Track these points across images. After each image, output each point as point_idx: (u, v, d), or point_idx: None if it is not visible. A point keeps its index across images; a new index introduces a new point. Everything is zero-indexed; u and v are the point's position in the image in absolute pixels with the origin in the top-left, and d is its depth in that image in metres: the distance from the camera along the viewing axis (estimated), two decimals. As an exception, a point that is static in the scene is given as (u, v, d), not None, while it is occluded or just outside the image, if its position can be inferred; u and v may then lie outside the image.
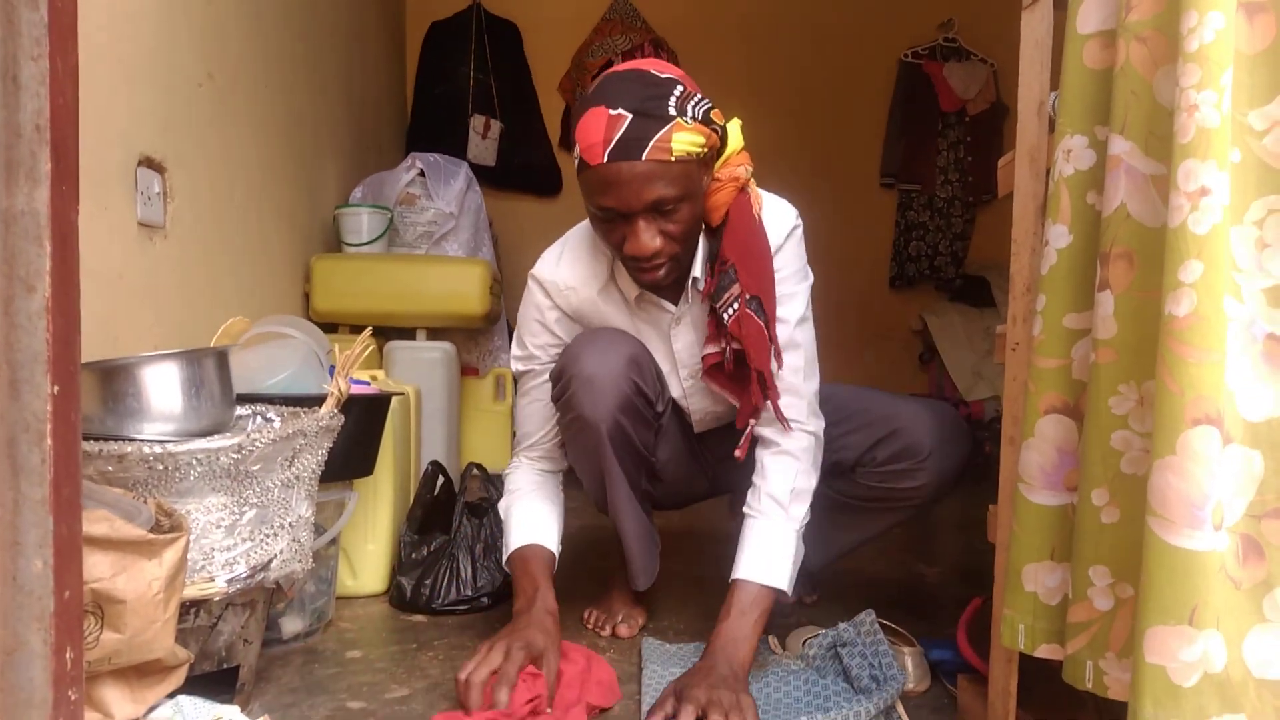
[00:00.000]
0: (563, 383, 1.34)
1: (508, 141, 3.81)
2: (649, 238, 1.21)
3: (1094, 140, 0.87)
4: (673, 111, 1.17)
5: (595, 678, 1.23)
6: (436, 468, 1.83)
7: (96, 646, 0.86)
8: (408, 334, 2.53)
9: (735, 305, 1.26)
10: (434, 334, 2.55)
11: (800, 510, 1.33)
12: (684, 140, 1.17)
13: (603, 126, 1.16)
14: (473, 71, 3.79)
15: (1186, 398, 0.69)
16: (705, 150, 1.21)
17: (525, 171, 3.85)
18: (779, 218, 1.36)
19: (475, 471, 1.81)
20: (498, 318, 2.73)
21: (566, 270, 1.41)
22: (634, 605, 1.56)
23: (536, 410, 1.47)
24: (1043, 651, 0.92)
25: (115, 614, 0.86)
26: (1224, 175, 0.69)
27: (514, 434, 1.58)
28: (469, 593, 1.62)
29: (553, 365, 1.41)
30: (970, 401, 3.71)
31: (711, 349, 1.32)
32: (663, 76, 1.20)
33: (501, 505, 1.49)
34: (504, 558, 1.41)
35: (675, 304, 1.39)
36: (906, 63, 4.13)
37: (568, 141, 4.00)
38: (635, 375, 1.33)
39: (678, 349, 1.42)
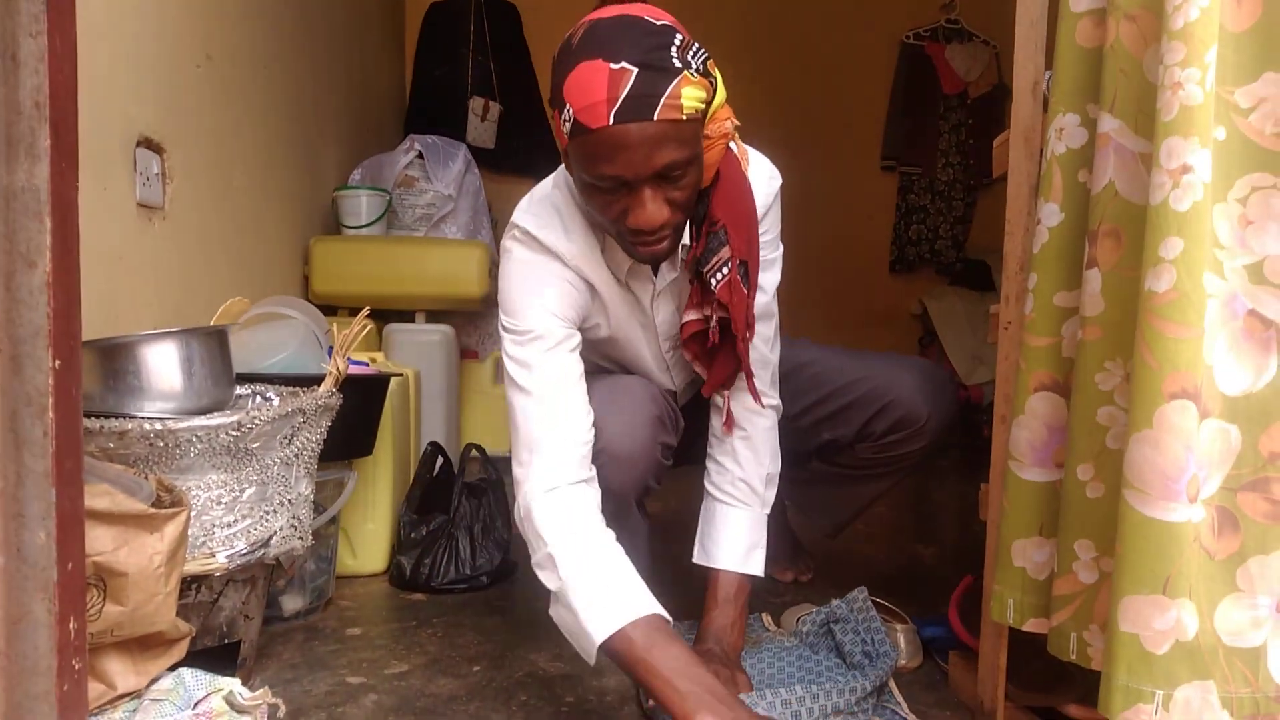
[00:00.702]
0: None
1: (507, 124, 3.80)
2: (656, 208, 1.05)
3: (1085, 118, 0.88)
4: (677, 63, 1.02)
5: None
6: (436, 448, 1.84)
7: (99, 618, 0.87)
8: (407, 316, 2.54)
9: (725, 269, 1.15)
10: (433, 317, 2.56)
11: (772, 494, 1.34)
12: (691, 95, 1.02)
13: (604, 83, 0.99)
14: (472, 54, 3.78)
15: (1164, 372, 0.70)
16: (706, 105, 1.07)
17: (524, 154, 3.84)
18: (764, 177, 1.27)
19: (474, 453, 1.83)
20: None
21: (573, 242, 1.21)
22: None
23: (553, 404, 1.16)
24: (1030, 625, 0.94)
25: (117, 586, 0.87)
26: (1206, 153, 0.70)
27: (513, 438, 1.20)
28: (468, 571, 1.64)
29: (570, 339, 1.19)
30: (969, 385, 3.73)
31: (692, 315, 1.22)
32: (659, 24, 1.04)
33: (543, 563, 1.09)
34: (585, 642, 1.04)
35: (656, 272, 1.25)
36: (908, 44, 4.11)
37: (565, 122, 3.99)
38: (663, 436, 1.26)
39: (659, 320, 1.30)
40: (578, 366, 1.19)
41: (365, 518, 1.72)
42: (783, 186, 1.31)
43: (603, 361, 1.41)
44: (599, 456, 1.18)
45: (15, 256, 0.71)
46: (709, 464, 1.36)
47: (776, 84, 3.95)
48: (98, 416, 1.04)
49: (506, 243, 1.24)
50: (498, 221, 3.17)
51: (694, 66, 1.03)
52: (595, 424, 1.17)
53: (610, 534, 1.11)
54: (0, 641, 0.69)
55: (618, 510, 1.25)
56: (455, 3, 3.82)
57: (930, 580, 1.81)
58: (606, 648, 1.01)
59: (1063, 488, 0.86)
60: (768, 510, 1.33)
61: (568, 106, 1.02)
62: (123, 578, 0.87)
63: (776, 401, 1.35)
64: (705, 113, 1.07)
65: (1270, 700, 0.72)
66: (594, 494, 1.15)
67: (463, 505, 1.70)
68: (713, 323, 1.19)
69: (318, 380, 1.30)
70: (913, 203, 4.17)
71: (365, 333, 1.37)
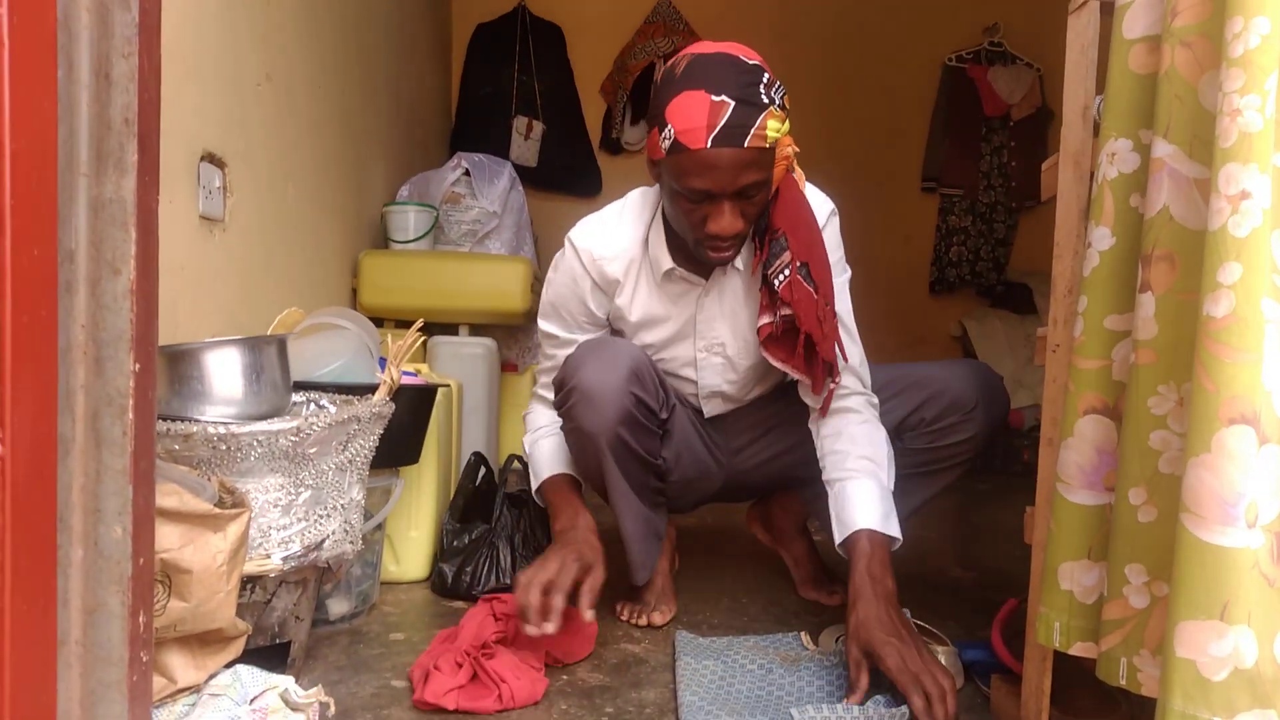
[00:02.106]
0: (564, 393, 1.38)
1: (549, 142, 3.86)
2: (733, 219, 1.25)
3: (1138, 144, 0.88)
4: (764, 99, 1.20)
5: (570, 632, 1.33)
6: (479, 459, 1.87)
7: (164, 613, 0.90)
8: (450, 330, 2.58)
9: (786, 271, 1.30)
10: (476, 330, 2.60)
11: (892, 475, 1.38)
12: (774, 127, 1.22)
13: (705, 111, 1.18)
14: (516, 73, 3.85)
15: (1222, 397, 0.70)
16: (780, 134, 1.25)
17: (566, 172, 3.90)
18: (819, 201, 1.43)
19: (516, 464, 1.85)
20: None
21: (604, 240, 1.44)
22: (664, 595, 1.58)
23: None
24: (1077, 649, 0.93)
25: (182, 583, 0.90)
26: (1265, 179, 0.70)
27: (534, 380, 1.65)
28: (508, 580, 1.66)
29: (574, 335, 1.48)
30: (1010, 410, 3.68)
31: (765, 320, 1.36)
32: (750, 63, 1.23)
33: (526, 440, 1.56)
34: (533, 486, 1.50)
35: (706, 278, 1.44)
36: (950, 66, 4.11)
37: (608, 143, 4.04)
38: (636, 388, 1.35)
39: (700, 319, 1.47)
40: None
41: (409, 525, 1.75)
42: (837, 212, 1.46)
43: None
44: (571, 395, 1.36)
45: (101, 264, 0.75)
46: (824, 461, 1.41)
47: (818, 105, 3.96)
48: (165, 419, 1.08)
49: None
50: (539, 238, 3.22)
51: (776, 102, 1.22)
52: (572, 368, 1.37)
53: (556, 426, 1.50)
54: (77, 630, 0.72)
55: (588, 449, 1.38)
56: (501, 23, 3.90)
57: (971, 603, 1.79)
58: (537, 493, 1.51)
59: (1114, 511, 0.86)
60: (891, 488, 1.36)
61: (669, 126, 1.22)
62: (187, 575, 0.90)
63: (875, 400, 1.46)
64: (779, 140, 1.25)
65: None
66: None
67: (504, 515, 1.72)
68: (776, 318, 1.33)
69: (371, 389, 1.34)
70: (953, 224, 4.15)
71: (417, 344, 1.40)
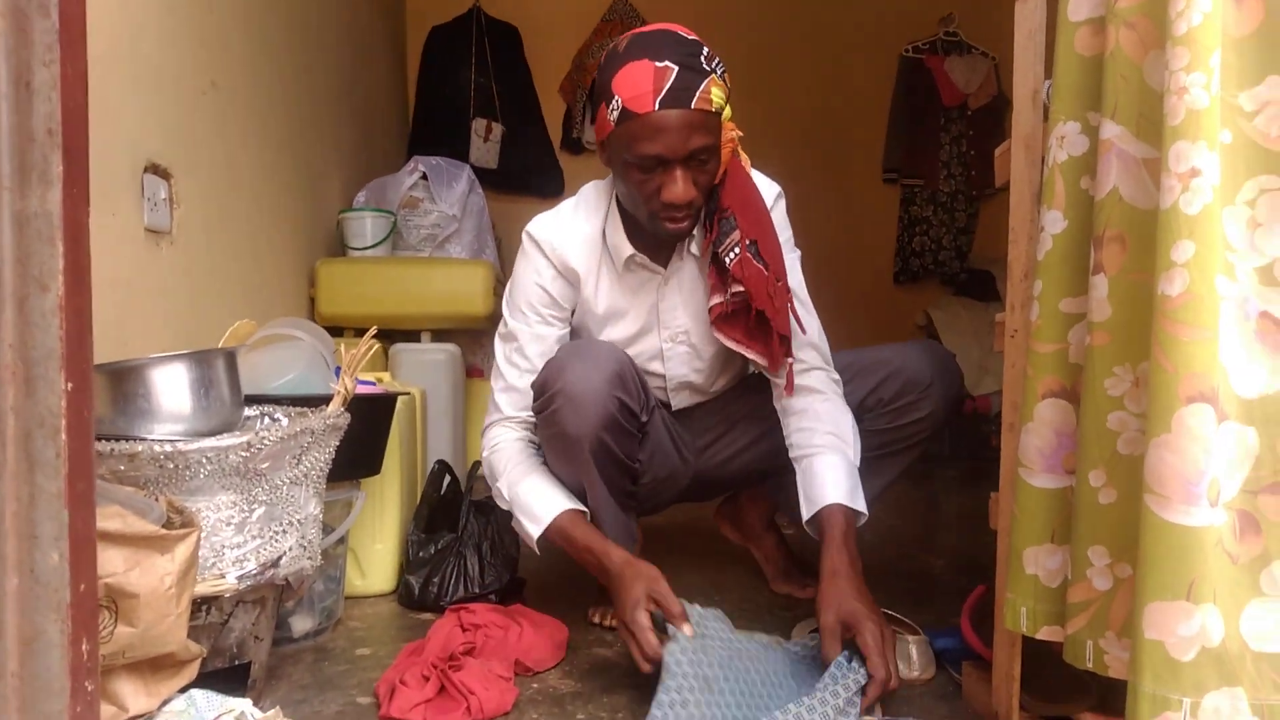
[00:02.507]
0: (547, 397, 1.32)
1: (509, 144, 3.83)
2: (686, 186, 1.26)
3: (1086, 126, 0.88)
4: (707, 67, 1.24)
5: (539, 639, 1.33)
6: (443, 467, 1.84)
7: (111, 640, 0.87)
8: (413, 336, 2.55)
9: (736, 250, 1.31)
10: (438, 336, 2.57)
11: (858, 452, 1.38)
12: (717, 94, 1.25)
13: (650, 76, 1.21)
14: (473, 75, 3.81)
15: (1180, 375, 0.70)
16: (725, 106, 1.28)
17: (527, 173, 3.87)
18: (765, 184, 1.46)
19: (481, 471, 1.83)
20: (502, 319, 2.75)
21: (562, 232, 1.44)
22: None
23: (517, 380, 1.44)
24: (1044, 633, 0.93)
25: (129, 608, 0.87)
26: (1214, 156, 0.70)
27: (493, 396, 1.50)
28: (476, 590, 1.63)
29: (541, 329, 1.44)
30: (976, 396, 3.72)
31: (717, 299, 1.36)
32: (689, 38, 1.27)
33: (504, 485, 1.41)
34: (535, 531, 1.34)
35: (665, 266, 1.44)
36: (907, 58, 4.14)
37: (569, 142, 4.01)
38: (620, 392, 1.33)
39: (663, 309, 1.47)
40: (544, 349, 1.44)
41: (373, 537, 1.72)
42: (785, 194, 1.49)
43: None
44: (555, 399, 1.31)
45: (28, 280, 0.72)
46: (791, 439, 1.42)
47: (777, 98, 3.97)
48: (108, 439, 1.05)
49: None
50: (502, 241, 3.19)
51: (717, 73, 1.26)
52: (555, 370, 1.32)
53: (538, 460, 1.41)
54: (14, 662, 0.69)
55: (570, 454, 1.34)
56: (456, 24, 3.86)
57: (941, 591, 1.80)
58: (544, 540, 1.34)
59: (1075, 494, 0.86)
60: (856, 463, 1.36)
61: (616, 98, 1.24)
62: (134, 599, 0.87)
63: (837, 376, 1.47)
64: (723, 111, 1.28)
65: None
66: (530, 439, 1.45)
67: (470, 523, 1.69)
68: (727, 295, 1.34)
69: (326, 400, 1.31)
70: (915, 214, 4.18)
71: (372, 352, 1.37)
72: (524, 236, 1.47)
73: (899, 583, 1.85)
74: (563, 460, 1.37)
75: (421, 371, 2.37)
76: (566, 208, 1.48)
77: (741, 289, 1.31)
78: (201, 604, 1.07)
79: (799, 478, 1.37)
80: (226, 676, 1.13)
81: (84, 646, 0.72)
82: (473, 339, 2.80)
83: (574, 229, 1.45)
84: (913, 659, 1.29)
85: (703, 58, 1.25)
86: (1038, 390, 0.92)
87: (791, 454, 1.41)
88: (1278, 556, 0.72)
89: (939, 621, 1.44)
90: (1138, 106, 0.79)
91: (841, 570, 1.22)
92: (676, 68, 1.22)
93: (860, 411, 1.48)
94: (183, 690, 0.95)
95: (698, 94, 1.22)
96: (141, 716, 0.91)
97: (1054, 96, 0.91)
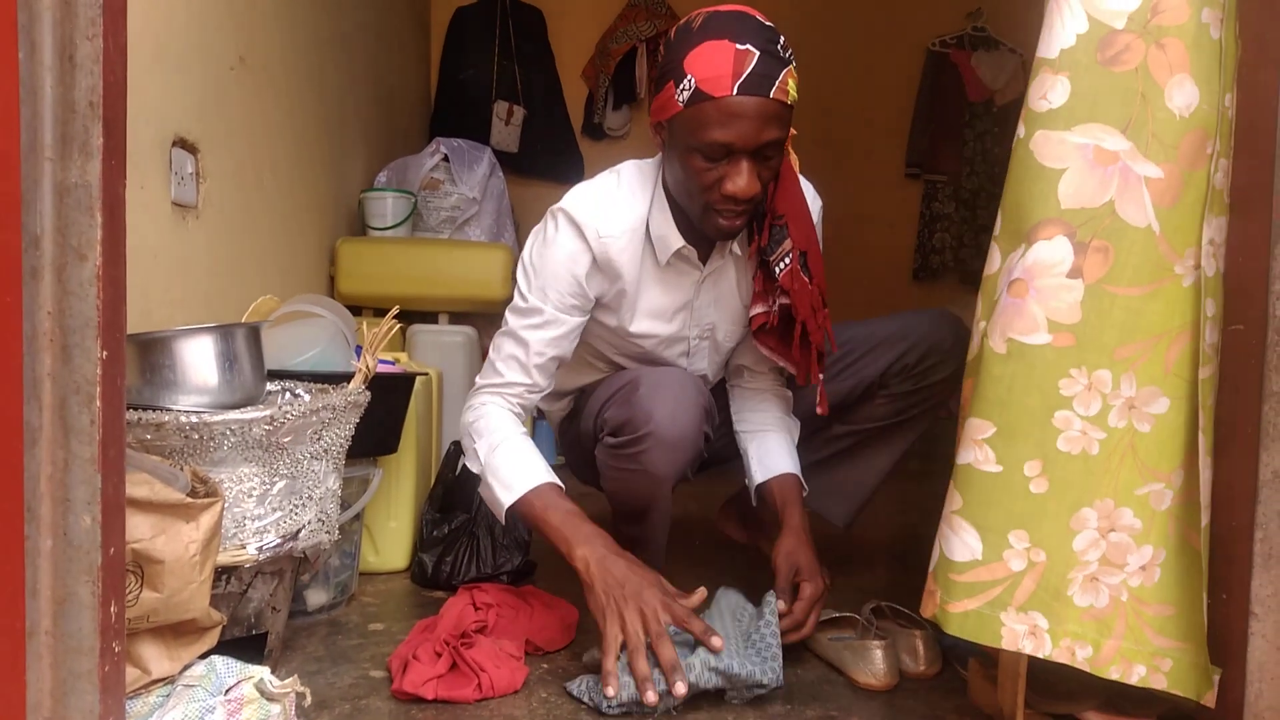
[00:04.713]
0: (636, 436, 1.27)
1: (530, 128, 3.83)
2: (751, 180, 1.18)
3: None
4: (785, 56, 1.17)
5: (550, 620, 1.36)
6: (458, 448, 1.86)
7: (136, 604, 0.89)
8: (430, 318, 2.56)
9: (787, 259, 1.28)
10: (456, 318, 2.58)
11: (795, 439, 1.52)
12: (792, 86, 1.18)
13: (730, 59, 1.13)
14: (497, 58, 3.81)
15: None
16: (796, 100, 1.22)
17: (547, 158, 3.87)
18: (811, 195, 1.43)
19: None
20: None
21: (608, 216, 1.31)
22: None
23: (524, 356, 1.35)
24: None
25: (154, 574, 0.89)
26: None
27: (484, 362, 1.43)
28: (488, 570, 1.65)
29: (563, 315, 1.33)
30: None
31: (759, 309, 1.36)
32: (767, 23, 1.19)
33: (482, 446, 1.32)
34: (505, 499, 1.27)
35: (704, 261, 1.39)
36: (934, 52, 4.10)
37: (590, 128, 4.01)
38: (707, 427, 1.33)
39: (697, 305, 1.42)
40: (560, 348, 1.37)
41: (388, 515, 1.74)
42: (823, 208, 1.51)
43: (620, 357, 1.48)
44: (645, 440, 1.26)
45: (67, 249, 0.73)
46: (744, 415, 1.54)
47: (801, 92, 3.94)
48: (136, 409, 1.07)
49: (546, 220, 1.36)
50: (520, 225, 3.20)
51: (793, 63, 1.19)
52: (643, 409, 1.26)
53: (523, 432, 1.34)
54: (47, 620, 0.71)
55: (654, 493, 1.33)
56: (481, 6, 3.85)
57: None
58: (514, 510, 1.28)
59: (1005, 481, 0.93)
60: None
61: (689, 77, 1.15)
62: (159, 565, 0.89)
63: (789, 394, 1.56)
64: (794, 105, 1.21)
65: None
66: (521, 423, 1.37)
67: (484, 505, 1.71)
68: (773, 307, 1.33)
69: (347, 377, 1.32)
70: (937, 210, 4.15)
71: (393, 332, 1.39)
72: (560, 214, 1.32)
73: (905, 577, 1.86)
74: (636, 490, 1.35)
75: (438, 353, 2.39)
76: (608, 186, 1.35)
77: (787, 300, 1.30)
78: (221, 573, 1.10)
79: (753, 448, 1.49)
80: (243, 645, 1.15)
81: (112, 608, 0.75)
82: (489, 322, 2.80)
83: (618, 215, 1.32)
84: (919, 654, 1.30)
85: (780, 45, 1.17)
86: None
87: (742, 428, 1.52)
88: None
89: (946, 617, 1.44)
90: (1150, 126, 0.81)
91: (803, 526, 1.37)
92: (758, 53, 1.13)
93: (885, 378, 1.52)
94: (203, 656, 0.98)
95: (776, 83, 1.14)
96: (163, 680, 0.93)
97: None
